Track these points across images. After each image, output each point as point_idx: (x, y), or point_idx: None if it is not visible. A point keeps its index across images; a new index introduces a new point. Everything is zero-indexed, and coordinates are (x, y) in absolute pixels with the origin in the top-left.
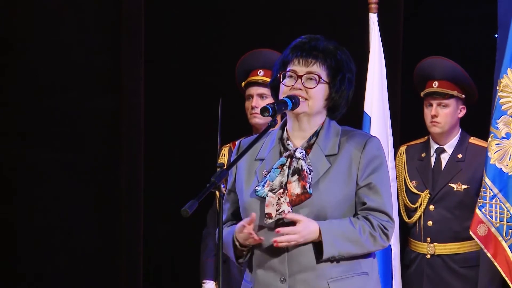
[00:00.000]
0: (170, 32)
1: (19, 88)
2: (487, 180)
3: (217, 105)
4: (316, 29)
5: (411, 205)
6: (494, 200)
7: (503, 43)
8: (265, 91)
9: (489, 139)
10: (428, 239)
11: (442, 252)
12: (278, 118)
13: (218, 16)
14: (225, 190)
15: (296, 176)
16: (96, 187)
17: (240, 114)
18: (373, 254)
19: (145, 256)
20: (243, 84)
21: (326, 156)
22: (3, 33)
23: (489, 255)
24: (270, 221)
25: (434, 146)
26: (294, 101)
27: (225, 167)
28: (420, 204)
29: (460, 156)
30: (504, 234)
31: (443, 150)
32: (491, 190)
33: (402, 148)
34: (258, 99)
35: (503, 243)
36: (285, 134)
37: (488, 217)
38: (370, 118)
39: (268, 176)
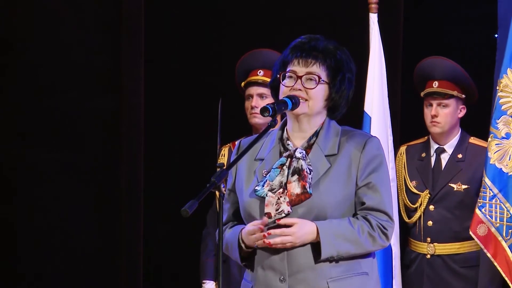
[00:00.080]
0: (170, 32)
1: (19, 88)
2: (487, 180)
3: (217, 105)
4: (316, 29)
5: (411, 205)
6: (494, 200)
7: (503, 43)
8: (265, 91)
9: (489, 139)
10: (428, 239)
11: (442, 252)
12: (278, 118)
13: (218, 16)
14: (225, 190)
15: (296, 176)
16: (96, 187)
17: (240, 114)
18: (373, 254)
19: (145, 256)
20: (242, 84)
21: (326, 156)
22: (3, 33)
23: (489, 255)
24: (269, 220)
25: (434, 146)
26: (294, 101)
27: (225, 167)
28: (420, 204)
29: (460, 156)
30: (504, 234)
31: (443, 150)
32: (491, 190)
33: (402, 148)
34: (258, 99)
35: (503, 243)
36: (285, 134)
37: (488, 217)
38: (370, 118)
39: (268, 176)
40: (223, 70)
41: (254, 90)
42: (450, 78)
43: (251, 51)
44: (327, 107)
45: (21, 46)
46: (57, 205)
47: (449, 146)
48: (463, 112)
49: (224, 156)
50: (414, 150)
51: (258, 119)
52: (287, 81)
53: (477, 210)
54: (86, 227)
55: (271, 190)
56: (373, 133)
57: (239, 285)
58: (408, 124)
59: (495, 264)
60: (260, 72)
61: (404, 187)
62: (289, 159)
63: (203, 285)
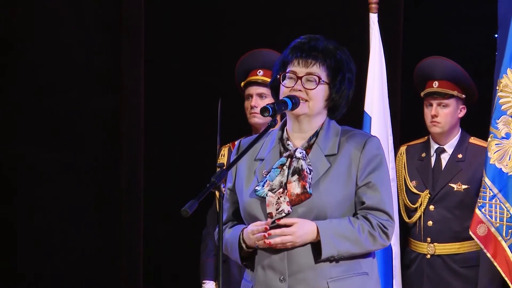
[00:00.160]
0: (170, 32)
1: (19, 88)
2: (486, 180)
3: (217, 105)
4: (316, 29)
5: (411, 205)
6: (494, 200)
7: (503, 43)
8: (265, 90)
9: (489, 139)
10: (428, 239)
11: (442, 252)
12: (278, 118)
13: (218, 16)
14: (225, 190)
15: (296, 176)
16: (96, 187)
17: (240, 114)
18: (373, 254)
19: (145, 256)
20: (242, 84)
21: (326, 156)
22: (3, 33)
23: (488, 255)
24: (270, 220)
25: (434, 146)
26: (294, 101)
27: (225, 167)
28: (420, 204)
29: (460, 156)
30: (504, 234)
31: (443, 150)
32: (491, 190)
33: (402, 148)
34: (258, 99)
35: (503, 243)
36: (285, 134)
37: (488, 217)
38: (370, 118)
39: (268, 176)
40: (223, 70)
41: (254, 90)
42: (450, 78)
43: (251, 51)
44: (327, 107)
45: (21, 46)
46: (57, 205)
47: (449, 146)
48: (463, 112)
49: (223, 156)
50: (414, 150)
51: (258, 119)
52: (287, 82)
53: (477, 210)
54: (86, 227)
55: (271, 190)
56: (373, 133)
57: (239, 285)
58: (408, 124)
59: (495, 264)
60: (259, 72)
61: (404, 187)
62: (289, 159)
63: (203, 285)
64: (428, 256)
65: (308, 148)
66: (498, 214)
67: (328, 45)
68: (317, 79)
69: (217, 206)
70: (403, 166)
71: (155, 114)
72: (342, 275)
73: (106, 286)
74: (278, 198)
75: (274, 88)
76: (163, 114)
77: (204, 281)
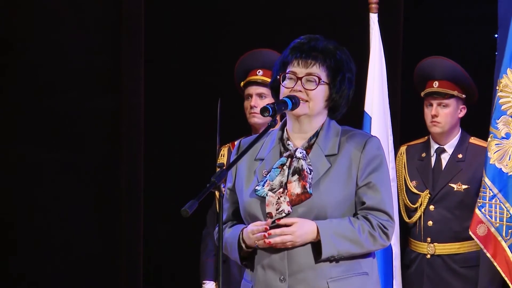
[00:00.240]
0: (170, 32)
1: (19, 88)
2: (486, 180)
3: (217, 105)
4: (316, 29)
5: (411, 205)
6: (493, 200)
7: (503, 43)
8: (264, 90)
9: (489, 139)
10: (428, 239)
11: (442, 252)
12: (278, 118)
13: (218, 16)
14: (225, 190)
15: (296, 176)
16: (96, 187)
17: (240, 114)
18: (373, 254)
19: (145, 256)
20: (242, 83)
21: (326, 156)
22: (3, 33)
23: (488, 255)
24: (271, 220)
25: (434, 146)
26: (294, 101)
27: (225, 167)
28: (420, 204)
29: (460, 156)
30: (504, 234)
31: (444, 150)
32: (490, 190)
33: (403, 148)
34: (257, 99)
35: (503, 243)
36: (285, 134)
37: (488, 217)
38: (371, 118)
39: (268, 175)
40: (223, 70)
41: (254, 90)
42: (450, 78)
43: (251, 51)
44: (328, 107)
45: (21, 46)
46: (57, 205)
47: (449, 146)
48: (463, 112)
49: (223, 156)
50: (414, 150)
51: (258, 119)
52: (287, 82)
53: (477, 210)
54: (86, 227)
55: (271, 190)
56: (373, 133)
57: (239, 285)
58: (408, 124)
59: (495, 264)
60: (259, 72)
61: (404, 187)
62: (289, 159)
63: (203, 285)
64: (428, 256)
65: (308, 148)
66: (498, 214)
67: (328, 45)
68: (317, 79)
69: (217, 206)
70: (403, 166)
71: (155, 114)
72: (342, 275)
73: (106, 286)
74: (278, 198)
75: (274, 88)
76: (163, 114)
77: (204, 281)
